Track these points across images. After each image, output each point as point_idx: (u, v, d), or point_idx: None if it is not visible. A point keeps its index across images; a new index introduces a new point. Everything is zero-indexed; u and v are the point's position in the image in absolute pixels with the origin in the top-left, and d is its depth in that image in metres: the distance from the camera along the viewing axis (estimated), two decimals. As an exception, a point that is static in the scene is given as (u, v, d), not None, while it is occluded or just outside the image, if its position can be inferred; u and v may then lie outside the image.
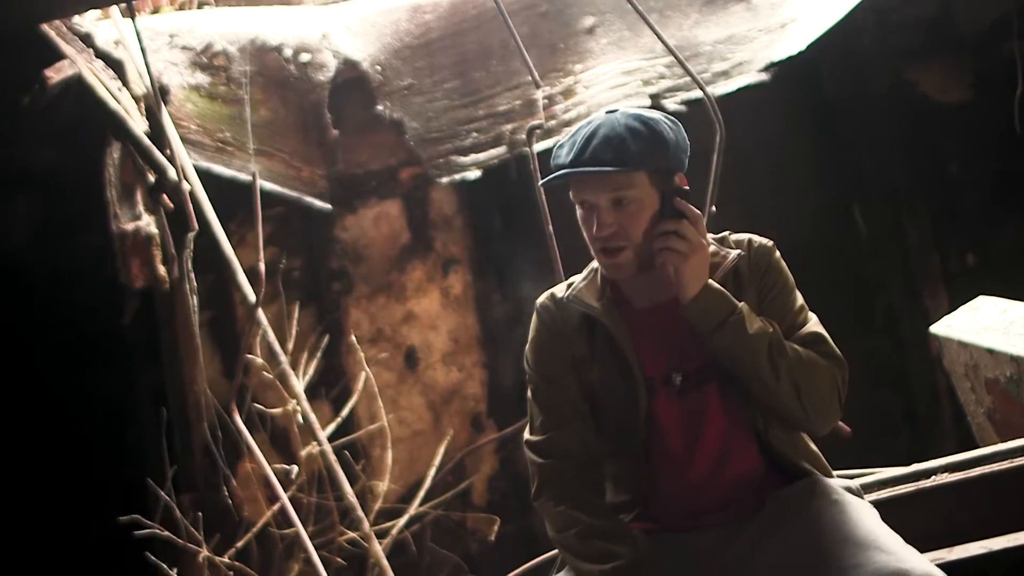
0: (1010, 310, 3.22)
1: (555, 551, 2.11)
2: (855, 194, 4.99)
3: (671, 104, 4.37)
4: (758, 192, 5.12)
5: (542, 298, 2.22)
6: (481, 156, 4.64)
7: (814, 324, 2.13)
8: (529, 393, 2.20)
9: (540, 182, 2.12)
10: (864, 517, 1.90)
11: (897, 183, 4.84)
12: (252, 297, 3.99)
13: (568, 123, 4.46)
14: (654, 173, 2.01)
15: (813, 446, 2.12)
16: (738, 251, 2.13)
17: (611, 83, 4.48)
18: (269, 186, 4.48)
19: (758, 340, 1.97)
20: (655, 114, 2.07)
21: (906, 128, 4.79)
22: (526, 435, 2.18)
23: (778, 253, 2.18)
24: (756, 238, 2.19)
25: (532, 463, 2.14)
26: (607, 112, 2.07)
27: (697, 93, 4.31)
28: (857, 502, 1.97)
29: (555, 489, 2.07)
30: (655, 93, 4.41)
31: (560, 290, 2.21)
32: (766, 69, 4.40)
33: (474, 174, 4.65)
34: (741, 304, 2.00)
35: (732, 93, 4.51)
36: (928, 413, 4.62)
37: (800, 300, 2.16)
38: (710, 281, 2.00)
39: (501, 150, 4.57)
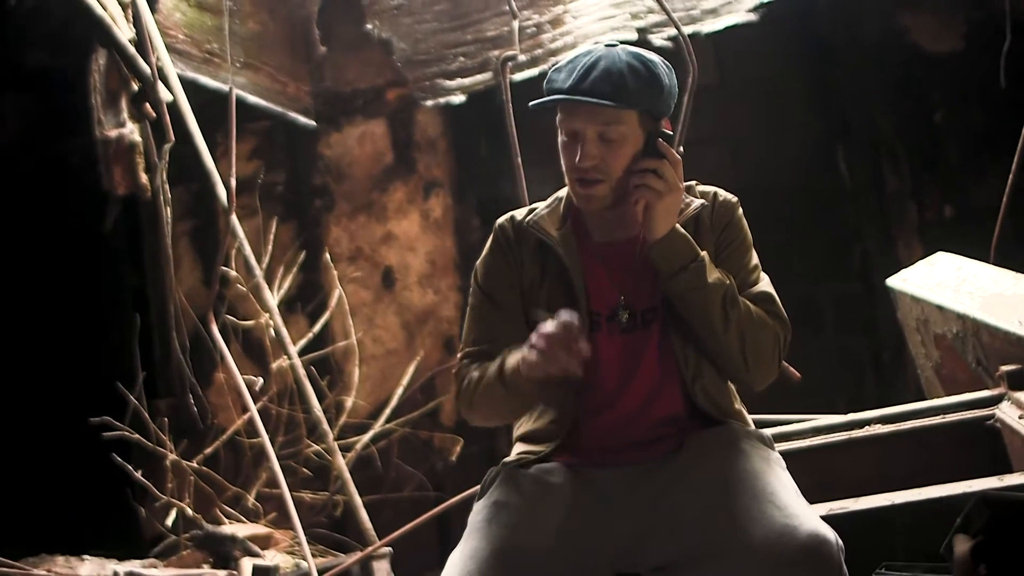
0: (964, 268, 3.24)
1: (461, 496, 2.16)
2: (840, 138, 4.97)
3: (657, 39, 4.34)
4: (744, 130, 5.11)
5: (502, 219, 2.25)
6: (467, 81, 4.64)
7: (765, 284, 2.16)
8: (469, 307, 2.25)
9: (532, 103, 2.09)
10: (767, 469, 1.95)
11: (881, 130, 4.81)
12: (229, 211, 4.03)
13: (555, 52, 4.45)
14: (644, 113, 2.03)
15: (737, 404, 2.16)
16: (701, 201, 2.15)
17: (599, 15, 4.45)
18: (254, 100, 4.50)
19: (714, 289, 2.01)
20: (654, 56, 2.08)
21: (894, 75, 4.74)
22: (460, 350, 2.23)
23: (741, 210, 2.19)
24: (721, 192, 2.21)
25: (457, 372, 2.20)
26: (607, 45, 2.08)
27: (687, 29, 4.29)
28: (765, 453, 2.02)
29: (469, 373, 2.16)
30: (642, 27, 4.39)
31: (521, 213, 2.23)
32: (755, 9, 4.36)
33: (459, 98, 4.66)
34: (703, 252, 2.04)
35: (722, 31, 4.49)
36: (893, 361, 4.67)
37: (755, 259, 2.18)
38: (677, 225, 2.04)
39: (487, 76, 4.57)
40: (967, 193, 4.64)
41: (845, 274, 5.03)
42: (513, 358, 2.03)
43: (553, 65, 2.12)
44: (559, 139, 2.08)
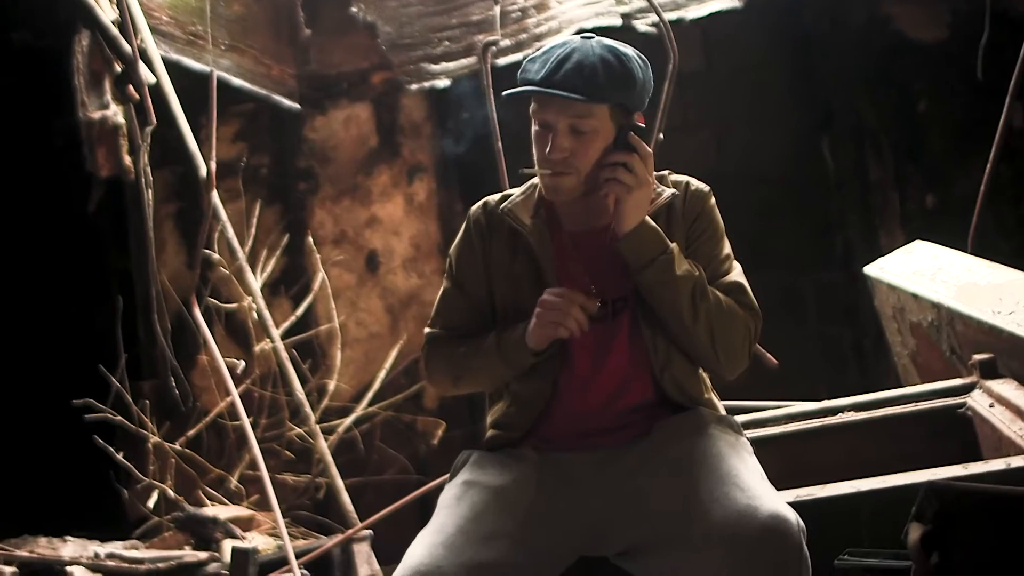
0: (940, 256, 3.26)
1: (442, 479, 2.19)
2: (824, 127, 4.99)
3: (642, 25, 4.35)
4: (729, 117, 5.13)
5: (476, 206, 2.26)
6: (451, 65, 4.65)
7: (737, 274, 2.18)
8: (442, 289, 2.28)
9: (505, 92, 2.11)
10: (731, 453, 1.97)
11: (865, 119, 4.83)
12: (209, 192, 4.03)
13: (539, 37, 4.45)
14: (616, 107, 2.04)
15: (707, 392, 2.18)
16: (672, 191, 2.17)
17: (584, 0, 4.45)
18: (238, 82, 4.50)
19: (683, 281, 2.03)
20: (629, 50, 2.09)
21: (878, 64, 4.75)
22: (427, 329, 2.27)
23: (713, 200, 2.21)
24: (694, 182, 2.22)
25: (423, 352, 2.25)
26: (583, 37, 2.08)
27: (671, 15, 4.30)
28: (731, 438, 2.04)
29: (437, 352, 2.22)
30: (627, 13, 4.39)
31: (494, 199, 2.25)
32: (740, -4, 4.37)
33: (444, 82, 4.67)
34: (672, 244, 2.05)
35: (708, 17, 4.50)
36: (874, 349, 4.69)
37: (727, 249, 2.20)
38: (647, 218, 2.06)
39: (472, 60, 4.57)
40: (950, 183, 4.66)
41: (828, 263, 5.06)
42: (512, 332, 2.08)
43: (531, 53, 2.13)
44: (532, 128, 2.09)
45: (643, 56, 2.12)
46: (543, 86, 2.01)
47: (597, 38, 2.08)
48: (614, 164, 2.02)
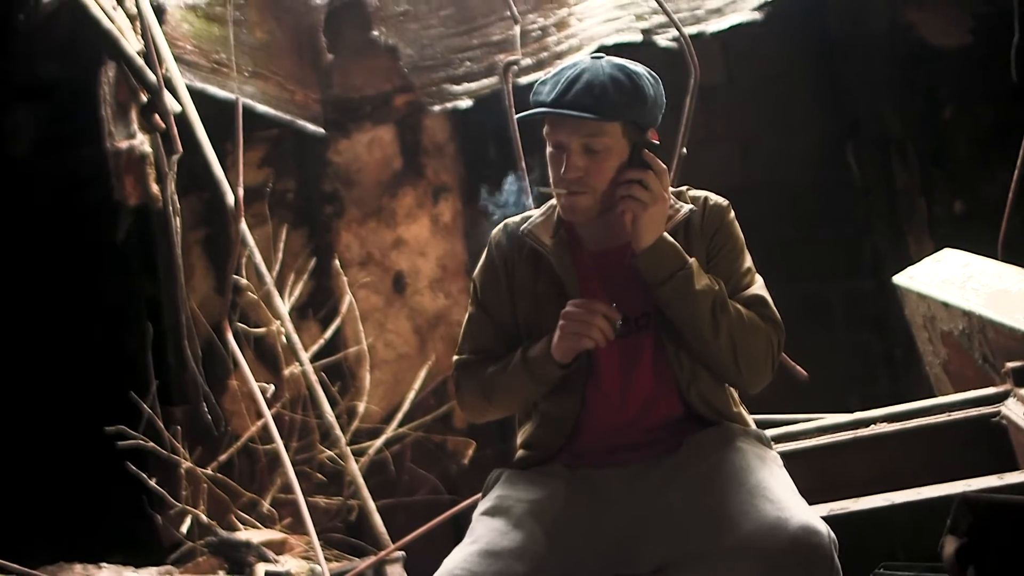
0: (971, 264, 3.23)
1: (474, 499, 2.20)
2: (849, 135, 4.97)
3: (663, 40, 4.35)
4: (753, 129, 5.11)
5: (497, 228, 2.28)
6: (473, 85, 4.66)
7: (759, 287, 2.17)
8: (467, 314, 2.29)
9: (517, 115, 2.19)
10: (761, 466, 1.97)
11: (890, 126, 4.81)
12: (238, 219, 4.06)
13: (560, 55, 4.46)
14: (628, 125, 2.05)
15: (736, 406, 2.17)
16: (690, 206, 2.17)
17: (604, 17, 4.46)
18: (262, 108, 4.53)
19: (702, 296, 2.03)
20: (639, 68, 2.10)
21: (903, 71, 4.73)
22: (455, 357, 2.28)
23: (732, 214, 2.21)
24: (713, 196, 2.22)
25: (453, 379, 2.27)
26: (593, 57, 2.09)
27: (691, 29, 4.30)
28: (760, 451, 2.04)
29: (464, 377, 2.24)
30: (647, 28, 4.39)
31: (515, 221, 2.26)
32: (760, 8, 4.37)
33: (466, 103, 4.68)
34: (691, 260, 2.05)
35: (729, 30, 4.50)
36: (905, 358, 4.65)
37: (748, 262, 2.20)
38: (665, 234, 2.06)
39: (493, 80, 4.58)
40: (977, 188, 4.63)
41: (856, 271, 5.02)
42: (536, 347, 2.09)
43: (547, 73, 2.14)
44: (547, 150, 2.10)
45: (654, 73, 2.13)
46: (554, 107, 2.02)
47: (608, 57, 2.09)
48: (629, 181, 2.03)
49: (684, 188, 2.25)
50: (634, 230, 2.05)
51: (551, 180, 2.12)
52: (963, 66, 4.64)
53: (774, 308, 2.15)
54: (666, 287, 2.04)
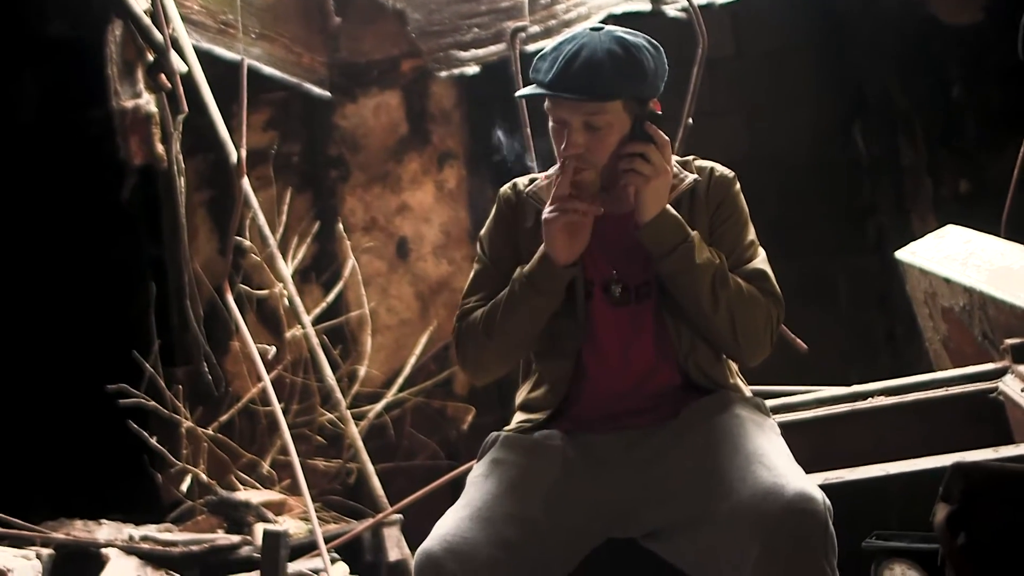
0: (973, 241, 3.23)
1: (472, 464, 2.19)
2: (857, 111, 4.95)
3: (671, 10, 4.34)
4: (760, 102, 5.10)
5: (505, 187, 2.28)
6: (481, 52, 4.65)
7: (760, 261, 2.17)
8: (473, 271, 2.28)
9: (517, 94, 2.15)
10: (759, 433, 1.98)
11: (898, 103, 4.79)
12: (239, 178, 4.06)
13: (568, 23, 4.45)
14: (629, 100, 2.04)
15: (733, 377, 2.18)
16: (695, 176, 2.17)
17: (614, -16, 4.44)
18: (269, 70, 4.53)
19: (703, 270, 2.03)
20: (639, 39, 2.07)
21: (912, 48, 4.70)
22: (462, 304, 2.24)
23: (738, 186, 2.20)
24: (719, 167, 2.21)
25: (455, 328, 2.23)
26: (592, 29, 2.07)
27: (699, 0, 4.27)
28: (758, 419, 2.04)
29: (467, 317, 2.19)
30: (656, -3, 4.38)
31: (523, 181, 2.26)
32: (770, -21, 4.34)
33: (473, 69, 4.67)
34: (694, 233, 2.05)
35: (737, 1, 4.48)
36: (906, 335, 4.66)
37: (751, 235, 2.19)
38: (668, 207, 2.06)
39: (501, 46, 4.57)
40: (983, 168, 4.61)
41: (859, 248, 5.02)
42: (533, 260, 2.08)
43: (560, 39, 2.11)
44: (549, 124, 2.10)
45: (654, 42, 2.10)
46: (554, 87, 2.01)
47: (607, 29, 2.07)
48: (631, 155, 2.02)
49: (690, 158, 2.25)
50: (637, 202, 2.05)
51: (556, 154, 2.11)
52: (973, 44, 4.60)
53: (775, 282, 2.15)
54: (668, 259, 2.04)
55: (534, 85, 2.06)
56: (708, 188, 2.17)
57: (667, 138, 2.05)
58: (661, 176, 2.03)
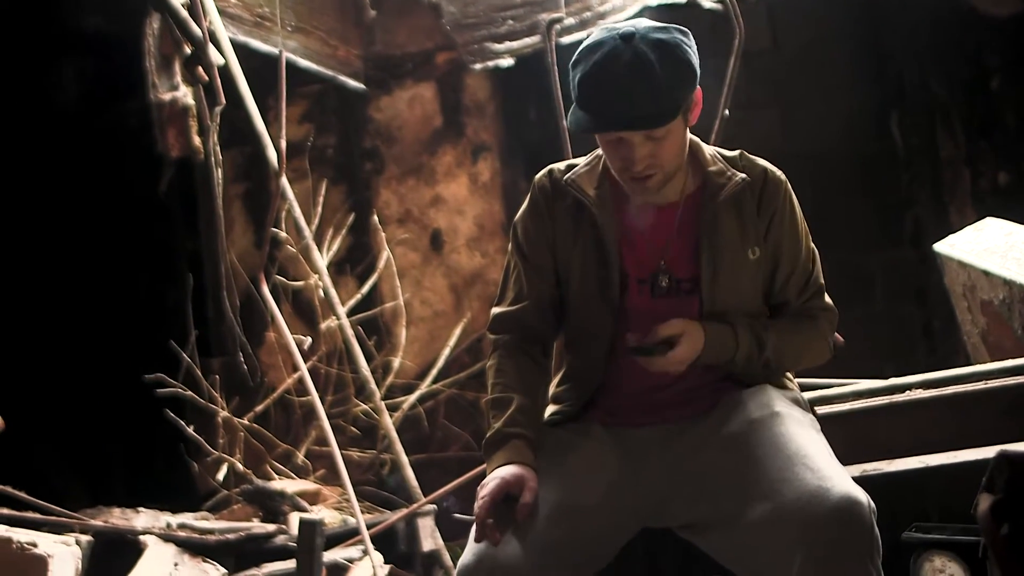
0: (1014, 234, 3.19)
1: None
2: (895, 103, 4.91)
3: (707, 2, 4.31)
4: (797, 94, 5.06)
5: (541, 174, 2.21)
6: (515, 44, 4.65)
7: (817, 272, 2.17)
8: (506, 264, 2.23)
9: (576, 129, 1.99)
10: (800, 431, 1.95)
11: (936, 95, 4.75)
12: (280, 171, 4.08)
13: (603, 15, 4.44)
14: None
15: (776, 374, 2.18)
16: (743, 176, 2.10)
17: (649, -24, 4.42)
18: (304, 63, 4.55)
19: (766, 355, 2.07)
20: (675, 35, 1.98)
21: (951, 39, 4.66)
22: (494, 309, 2.23)
23: (789, 187, 2.15)
24: (770, 168, 2.14)
25: (491, 334, 2.21)
26: (621, 36, 1.94)
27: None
28: (799, 415, 2.02)
29: (500, 356, 2.16)
30: (691, -11, 4.35)
31: (560, 169, 2.19)
32: (807, -29, 4.31)
33: (507, 62, 4.67)
34: (739, 333, 2.05)
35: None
36: (943, 329, 4.62)
37: (807, 240, 2.16)
38: (704, 341, 2.02)
39: (536, 39, 4.57)
40: (1023, 160, 4.56)
41: (897, 241, 4.99)
42: (497, 438, 2.05)
43: (593, 33, 2.02)
44: (600, 140, 2.04)
45: (683, 29, 2.02)
46: (619, 124, 1.95)
47: (639, 34, 1.95)
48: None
49: (737, 153, 2.18)
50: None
51: (612, 167, 2.06)
52: (1013, 35, 4.55)
53: (826, 292, 2.17)
54: (733, 366, 2.08)
55: (586, 115, 1.97)
56: (761, 193, 2.12)
57: (660, 343, 2.01)
58: (684, 361, 2.01)
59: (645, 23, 2.01)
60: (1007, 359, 2.93)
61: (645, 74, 1.91)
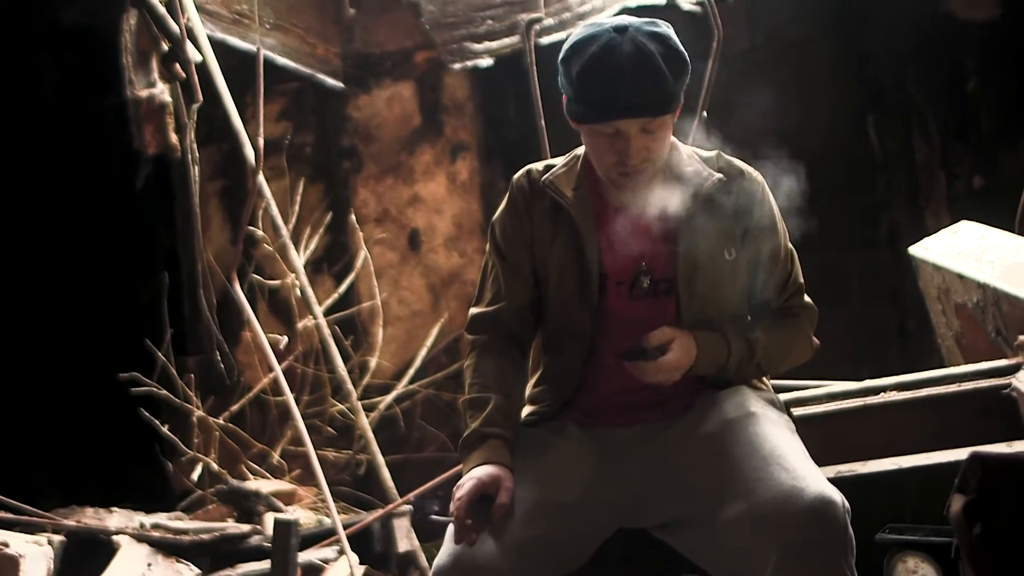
0: (987, 237, 3.21)
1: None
2: (872, 106, 4.94)
3: (686, 3, 4.32)
4: (774, 95, 5.06)
5: (519, 174, 2.20)
6: (494, 44, 4.65)
7: (797, 272, 2.20)
8: (484, 263, 2.23)
9: (588, 125, 2.01)
10: (775, 432, 1.96)
11: (913, 98, 4.77)
12: (257, 169, 4.07)
13: (582, 16, 4.44)
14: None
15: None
16: (719, 176, 2.10)
17: (629, -23, 4.42)
18: (283, 61, 4.53)
19: (756, 358, 2.09)
20: (666, 29, 2.01)
21: (927, 43, 4.69)
22: (472, 309, 2.22)
23: (765, 186, 2.16)
24: (746, 169, 2.15)
25: (468, 334, 2.21)
26: (615, 29, 1.97)
27: (715, -7, 4.27)
28: (774, 416, 2.03)
29: (478, 356, 2.16)
30: (671, -10, 4.36)
31: (538, 169, 2.18)
32: (784, -27, 4.33)
33: (486, 62, 4.67)
34: (731, 352, 2.05)
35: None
36: (918, 331, 4.64)
37: (785, 238, 2.18)
38: (696, 351, 2.03)
39: (515, 39, 4.56)
40: (998, 164, 4.60)
41: (872, 243, 5.01)
42: (476, 434, 2.04)
43: (574, 33, 2.03)
44: (594, 137, 2.03)
45: (666, 23, 2.03)
46: (627, 110, 1.95)
47: (633, 26, 1.98)
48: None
49: (715, 153, 2.18)
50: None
51: (601, 162, 2.06)
52: (989, 39, 4.59)
53: (805, 291, 2.21)
54: (724, 372, 2.08)
55: (589, 106, 1.98)
56: (738, 192, 2.12)
57: (656, 355, 2.01)
58: (677, 369, 2.02)
59: (632, 18, 2.02)
60: (981, 361, 2.95)
61: (648, 63, 1.94)
